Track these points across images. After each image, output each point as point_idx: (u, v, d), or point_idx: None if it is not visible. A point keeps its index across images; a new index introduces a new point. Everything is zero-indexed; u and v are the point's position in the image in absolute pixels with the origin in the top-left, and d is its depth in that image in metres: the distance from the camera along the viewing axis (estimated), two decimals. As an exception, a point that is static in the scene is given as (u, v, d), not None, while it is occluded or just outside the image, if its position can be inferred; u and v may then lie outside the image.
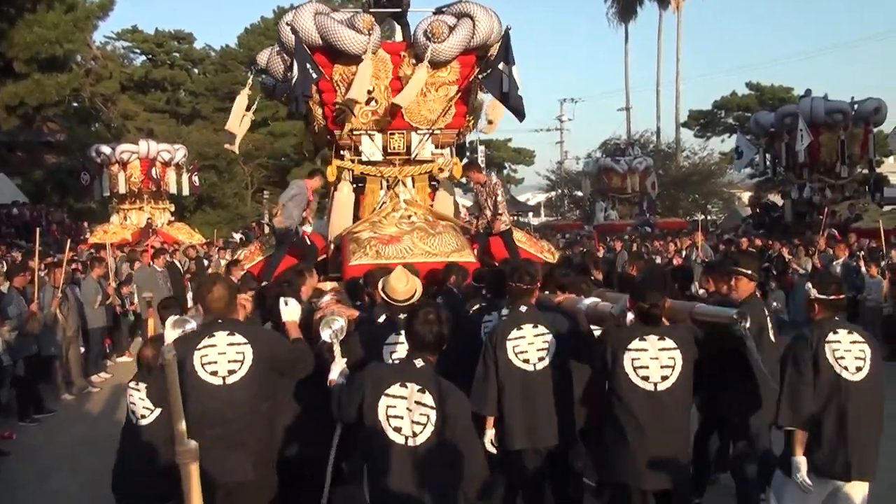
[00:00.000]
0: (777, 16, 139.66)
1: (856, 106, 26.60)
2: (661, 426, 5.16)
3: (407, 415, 4.35)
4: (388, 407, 4.38)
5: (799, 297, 15.11)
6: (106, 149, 28.32)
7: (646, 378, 5.14)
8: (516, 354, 5.84)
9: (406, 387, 4.39)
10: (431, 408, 4.34)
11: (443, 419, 4.32)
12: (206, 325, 5.06)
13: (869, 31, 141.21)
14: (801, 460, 5.11)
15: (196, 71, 53.42)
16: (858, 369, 5.09)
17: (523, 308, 6.02)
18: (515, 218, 13.18)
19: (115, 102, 41.65)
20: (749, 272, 6.56)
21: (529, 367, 5.84)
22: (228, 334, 4.91)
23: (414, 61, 11.04)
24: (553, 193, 59.19)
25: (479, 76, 10.92)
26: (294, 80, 10.27)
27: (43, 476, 8.79)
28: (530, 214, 57.79)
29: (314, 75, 10.40)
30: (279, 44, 11.32)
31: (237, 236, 33.00)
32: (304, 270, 7.81)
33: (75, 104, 38.36)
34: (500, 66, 10.56)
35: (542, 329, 5.90)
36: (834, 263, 15.56)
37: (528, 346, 5.86)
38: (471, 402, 5.50)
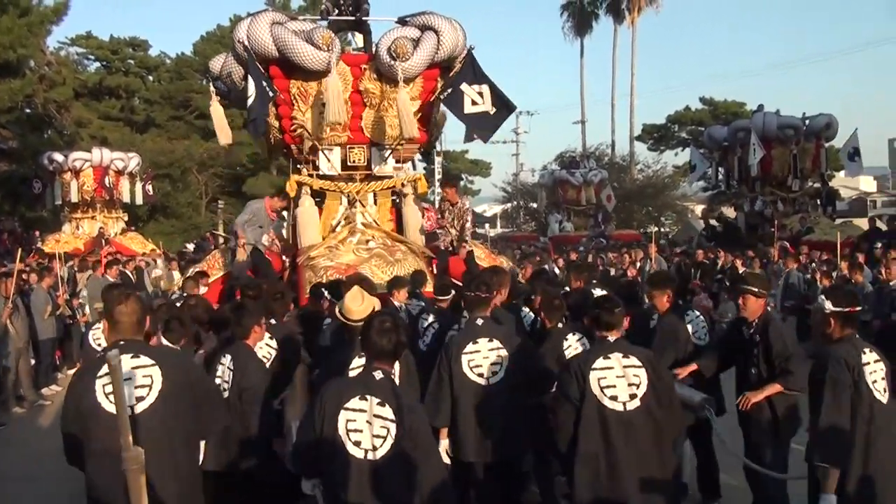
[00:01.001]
0: (731, 33, 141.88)
1: (807, 121, 27.08)
2: (633, 448, 4.93)
3: (367, 428, 4.29)
4: (347, 421, 4.31)
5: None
6: (58, 156, 27.89)
7: (614, 398, 4.95)
8: (471, 368, 5.89)
9: (366, 399, 4.32)
10: (391, 421, 4.28)
11: (402, 432, 4.28)
12: (107, 347, 4.43)
13: (818, 49, 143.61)
14: (832, 499, 4.92)
15: (151, 78, 52.80)
16: (885, 390, 4.98)
17: (479, 321, 6.04)
18: (473, 230, 13.19)
19: (69, 109, 41.00)
20: (756, 289, 6.38)
21: (483, 381, 5.89)
22: (132, 356, 4.26)
23: (375, 75, 11.01)
24: (509, 205, 59.40)
25: (441, 96, 10.87)
26: (251, 102, 10.15)
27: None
28: (486, 226, 57.80)
29: (270, 94, 10.32)
30: (234, 55, 11.21)
31: (190, 247, 32.64)
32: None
33: (28, 111, 37.73)
34: (462, 85, 10.50)
35: (496, 343, 5.95)
36: (785, 275, 15.81)
37: (483, 360, 5.91)
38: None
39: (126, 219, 30.16)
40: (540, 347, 6.75)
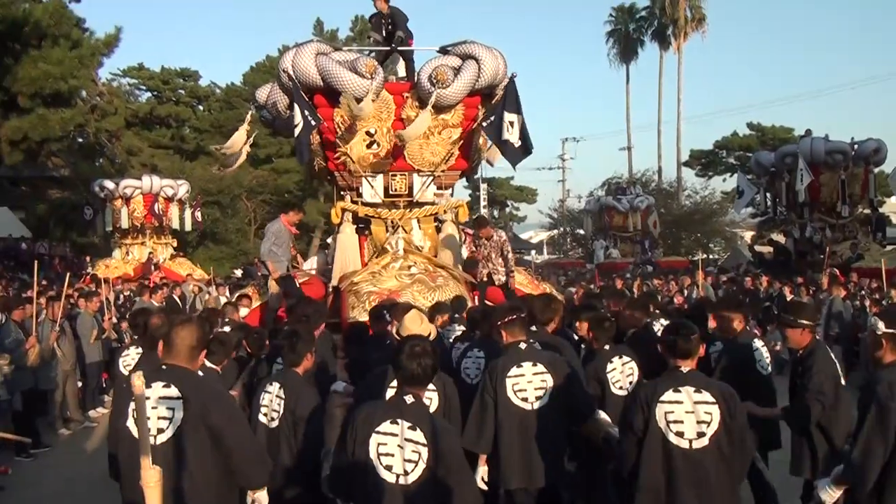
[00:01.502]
0: (778, 57, 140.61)
1: (856, 146, 26.64)
2: (696, 487, 4.71)
3: (398, 452, 4.28)
4: (378, 444, 4.31)
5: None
6: (109, 184, 28.39)
7: (680, 434, 4.73)
8: (515, 392, 5.76)
9: (397, 423, 4.32)
10: (423, 445, 4.27)
11: (435, 456, 4.26)
12: (151, 371, 4.42)
13: (869, 73, 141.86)
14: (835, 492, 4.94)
15: (201, 108, 53.61)
16: None
17: (522, 345, 5.97)
18: (518, 256, 13.25)
19: (120, 138, 41.75)
20: (795, 320, 6.10)
21: (528, 406, 5.76)
22: (164, 386, 4.25)
23: (417, 103, 11.11)
24: (555, 232, 59.33)
25: (483, 123, 10.91)
26: (298, 131, 10.28)
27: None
28: (533, 252, 57.76)
29: (313, 122, 10.43)
30: (279, 84, 11.37)
31: (238, 273, 32.97)
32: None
33: (80, 139, 38.45)
34: (503, 113, 10.53)
35: (541, 368, 5.82)
36: (829, 302, 15.54)
37: (528, 385, 5.78)
38: (464, 440, 5.47)
39: (175, 244, 30.52)
40: (585, 368, 6.74)
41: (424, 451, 4.27)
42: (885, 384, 4.78)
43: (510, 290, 10.93)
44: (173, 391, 4.23)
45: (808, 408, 5.78)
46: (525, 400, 5.76)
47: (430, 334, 5.67)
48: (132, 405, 4.20)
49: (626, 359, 6.85)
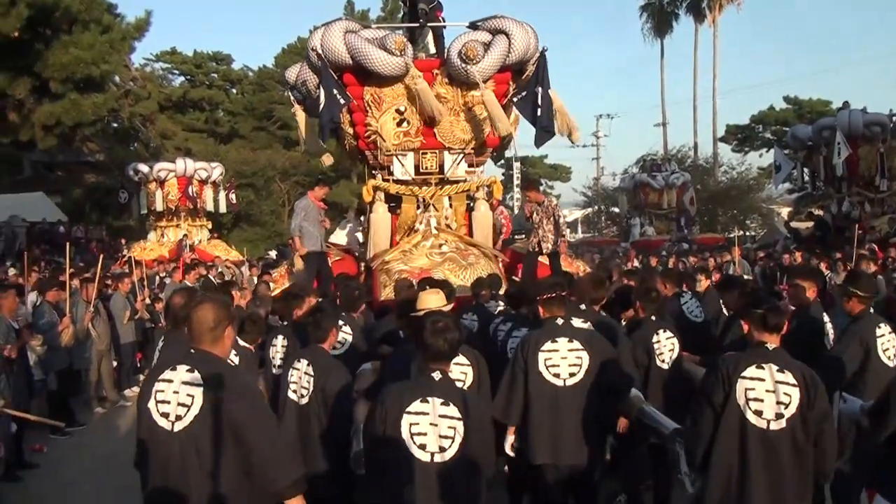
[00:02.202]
0: (814, 29, 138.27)
1: (895, 118, 26.15)
2: (769, 471, 4.57)
3: (432, 430, 4.20)
4: (411, 424, 4.22)
5: (839, 312, 14.83)
6: (144, 167, 28.55)
7: (758, 413, 4.56)
8: (547, 367, 5.66)
9: (427, 401, 4.23)
10: (458, 419, 4.20)
11: (470, 427, 4.20)
12: (177, 356, 4.34)
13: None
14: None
15: (234, 91, 53.82)
16: None
17: (559, 321, 5.87)
18: (567, 241, 13.25)
19: (154, 122, 42.10)
20: (861, 293, 6.15)
21: (559, 382, 5.66)
22: (188, 370, 4.10)
23: (447, 80, 11.01)
24: (590, 210, 58.97)
25: (514, 99, 10.82)
26: (321, 108, 10.25)
27: (68, 488, 8.84)
28: (567, 231, 57.48)
29: (342, 101, 10.38)
30: (308, 64, 11.32)
31: (272, 253, 33.14)
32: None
33: (114, 124, 38.75)
34: (535, 88, 10.42)
35: (577, 344, 5.72)
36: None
37: (561, 361, 5.68)
38: (493, 409, 5.42)
39: (210, 227, 30.68)
40: (631, 337, 6.71)
41: (460, 425, 4.20)
42: None
43: (558, 259, 10.82)
44: (196, 376, 4.07)
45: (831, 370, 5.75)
46: (557, 376, 5.66)
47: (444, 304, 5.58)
48: (156, 385, 4.12)
49: (669, 333, 6.84)
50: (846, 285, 6.28)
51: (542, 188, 59.60)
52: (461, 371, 5.34)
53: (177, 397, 4.06)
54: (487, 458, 4.33)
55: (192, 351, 4.19)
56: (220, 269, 20.25)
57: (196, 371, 4.08)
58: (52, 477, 9.29)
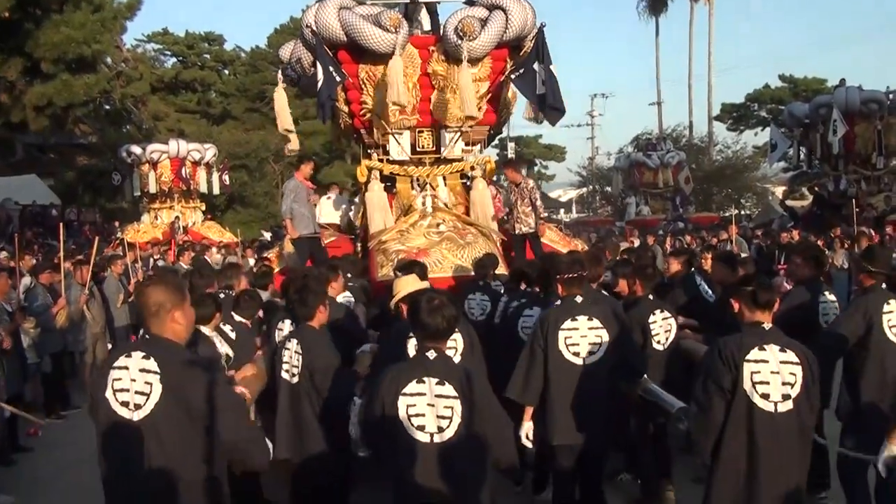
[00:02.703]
0: (809, 6, 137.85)
1: (891, 95, 26.07)
2: (777, 456, 4.44)
3: (429, 411, 4.13)
4: (408, 406, 4.15)
5: (837, 290, 14.82)
6: (136, 149, 28.39)
7: (765, 396, 4.41)
8: (567, 346, 5.58)
9: (424, 382, 4.16)
10: (455, 398, 4.12)
11: (469, 408, 4.12)
12: (136, 341, 4.17)
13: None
14: None
15: (226, 72, 53.64)
16: None
17: (578, 298, 5.76)
18: (547, 215, 13.27)
19: (146, 104, 41.93)
20: (874, 269, 6.04)
21: (578, 361, 5.59)
22: (143, 357, 3.91)
23: (443, 56, 10.84)
24: (584, 190, 58.93)
25: (512, 76, 10.67)
26: (319, 87, 10.10)
27: (63, 471, 8.75)
28: (562, 211, 57.53)
29: (337, 79, 10.23)
30: (302, 41, 11.16)
31: (267, 235, 33.02)
32: (333, 268, 7.72)
33: (107, 106, 38.57)
34: (535, 65, 10.27)
35: (597, 323, 5.64)
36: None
37: (581, 339, 5.60)
38: (510, 389, 5.44)
39: (203, 208, 30.55)
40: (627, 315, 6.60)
41: (457, 404, 4.11)
42: None
43: (538, 240, 10.74)
44: (151, 363, 3.88)
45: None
46: (577, 355, 5.58)
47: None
48: (112, 374, 3.94)
49: (666, 314, 6.75)
50: (861, 260, 6.19)
51: (536, 169, 59.80)
52: (451, 338, 5.23)
53: (134, 385, 3.88)
54: (497, 437, 4.24)
55: (147, 336, 4.03)
56: (218, 252, 20.05)
57: (151, 358, 3.90)
58: (47, 460, 9.22)
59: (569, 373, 5.57)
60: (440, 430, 4.12)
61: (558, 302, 5.88)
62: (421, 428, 4.13)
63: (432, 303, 4.28)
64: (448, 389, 4.13)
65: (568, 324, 5.59)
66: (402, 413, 4.14)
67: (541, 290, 7.24)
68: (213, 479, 4.00)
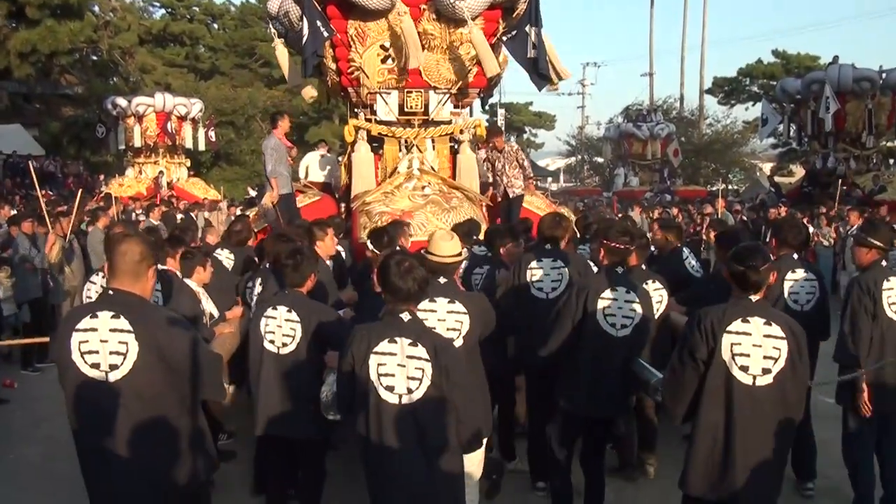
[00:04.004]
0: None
1: (884, 74, 25.97)
2: (754, 429, 4.39)
3: (399, 371, 4.11)
4: (378, 365, 4.13)
5: (822, 267, 14.86)
6: (122, 101, 28.08)
7: (744, 368, 4.34)
8: (605, 316, 5.50)
9: (395, 342, 4.13)
10: (426, 360, 4.09)
11: (439, 371, 4.08)
12: (97, 299, 4.11)
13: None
14: None
15: (215, 26, 53.09)
16: None
17: (619, 269, 5.65)
18: (535, 183, 13.23)
19: (133, 56, 41.37)
20: (875, 242, 5.96)
21: (614, 332, 5.50)
22: (113, 316, 3.81)
23: (435, 16, 10.64)
24: (573, 159, 58.79)
25: (503, 38, 10.51)
26: (304, 40, 9.91)
27: (38, 423, 8.69)
28: (549, 180, 57.36)
29: (325, 34, 10.02)
30: (291, -5, 10.94)
31: (252, 192, 32.85)
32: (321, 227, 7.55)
33: (94, 57, 38.17)
34: (527, 28, 10.11)
35: (633, 297, 5.55)
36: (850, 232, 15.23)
37: (618, 311, 5.50)
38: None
39: (188, 165, 30.29)
40: None
41: (428, 367, 4.08)
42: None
43: (519, 204, 10.81)
44: (123, 323, 3.80)
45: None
46: (613, 326, 5.50)
47: (461, 253, 5.30)
48: (75, 336, 3.83)
49: (657, 285, 6.64)
50: (861, 233, 6.11)
51: (525, 136, 59.55)
52: (456, 319, 5.10)
53: (106, 346, 3.79)
54: (464, 405, 4.22)
55: (111, 292, 3.90)
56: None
57: (122, 316, 3.81)
58: (23, 412, 9.16)
59: (605, 343, 5.51)
60: (409, 391, 4.10)
61: (596, 270, 5.80)
62: (390, 388, 4.11)
63: (402, 265, 4.22)
64: (420, 351, 4.10)
65: (608, 293, 5.50)
66: (372, 372, 4.12)
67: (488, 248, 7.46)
68: (199, 431, 4.03)
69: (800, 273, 6.52)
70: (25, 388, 10.00)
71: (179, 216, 17.45)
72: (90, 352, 3.79)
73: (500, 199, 10.86)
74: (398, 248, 6.56)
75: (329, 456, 5.84)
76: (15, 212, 15.54)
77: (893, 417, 6.00)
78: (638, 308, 5.50)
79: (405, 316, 4.21)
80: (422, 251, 5.28)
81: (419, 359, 4.09)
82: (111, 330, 3.79)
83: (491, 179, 11.58)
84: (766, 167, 45.03)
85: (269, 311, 5.41)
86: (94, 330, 3.80)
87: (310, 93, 11.84)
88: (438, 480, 4.18)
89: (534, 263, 6.56)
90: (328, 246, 7.33)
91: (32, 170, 13.80)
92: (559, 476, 5.87)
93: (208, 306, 6.60)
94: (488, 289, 6.75)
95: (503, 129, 12.04)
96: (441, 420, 4.14)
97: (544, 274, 6.51)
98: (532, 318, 6.23)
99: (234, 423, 7.69)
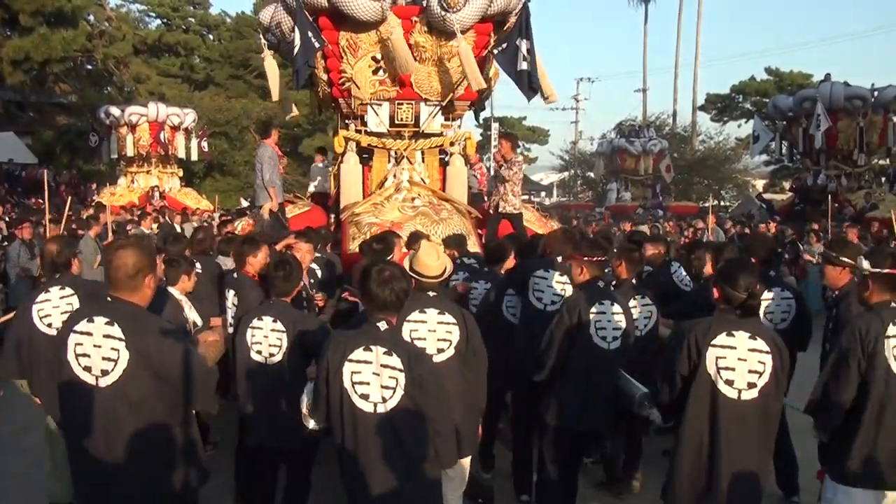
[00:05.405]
0: (798, 1, 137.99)
1: (876, 93, 26.07)
2: (738, 443, 4.40)
3: (374, 380, 4.10)
4: (352, 373, 4.13)
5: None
6: (115, 110, 28.14)
7: (730, 382, 4.37)
8: (597, 330, 5.56)
9: (371, 350, 4.14)
10: (399, 370, 4.08)
11: (412, 381, 4.07)
12: (92, 305, 4.12)
13: (890, 18, 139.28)
14: None
15: (210, 37, 53.11)
16: None
17: (601, 283, 5.76)
18: (528, 197, 13.22)
19: (128, 65, 41.36)
20: (846, 260, 5.61)
21: (605, 346, 5.58)
22: (107, 323, 3.86)
23: (426, 28, 10.65)
24: (566, 174, 58.85)
25: (494, 51, 10.52)
26: (296, 52, 9.93)
27: (21, 432, 8.65)
28: (542, 194, 57.46)
29: (316, 45, 10.04)
30: (283, 5, 10.96)
31: (245, 203, 32.82)
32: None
33: (88, 66, 38.16)
34: (517, 41, 10.13)
35: (618, 308, 5.63)
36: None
37: (607, 324, 5.57)
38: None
39: (181, 175, 30.27)
40: None
41: (402, 377, 4.07)
42: (850, 330, 4.59)
43: (521, 226, 10.71)
44: (116, 330, 3.84)
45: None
46: (604, 339, 5.56)
47: (446, 268, 5.27)
48: (72, 337, 3.90)
49: (646, 301, 6.63)
50: (830, 252, 5.88)
51: (519, 150, 59.62)
52: (446, 330, 5.10)
53: (99, 351, 3.84)
54: (439, 411, 4.21)
55: (109, 299, 3.94)
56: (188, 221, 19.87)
57: (115, 324, 3.86)
58: (6, 422, 9.08)
59: (597, 356, 5.56)
60: (384, 399, 4.09)
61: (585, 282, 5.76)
62: (364, 396, 4.11)
63: (383, 274, 4.23)
64: (395, 361, 4.10)
65: (596, 307, 5.54)
66: (346, 379, 4.12)
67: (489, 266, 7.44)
68: (190, 441, 4.05)
69: (775, 291, 6.53)
70: (8, 395, 9.89)
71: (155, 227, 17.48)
72: (84, 354, 3.85)
73: (490, 213, 10.83)
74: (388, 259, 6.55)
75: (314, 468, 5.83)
76: (7, 219, 15.53)
77: None
78: (623, 320, 5.57)
79: (382, 325, 4.20)
80: (406, 267, 5.27)
81: (393, 368, 4.09)
82: (105, 336, 3.84)
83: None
84: (759, 184, 45.22)
85: (255, 322, 5.45)
86: (90, 334, 3.86)
87: (294, 112, 11.86)
88: (414, 491, 4.17)
89: (540, 272, 6.60)
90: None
91: (46, 181, 13.75)
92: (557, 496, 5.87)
93: (191, 315, 6.57)
94: (484, 312, 6.79)
95: (508, 134, 11.77)
96: (416, 431, 4.13)
97: (547, 285, 6.52)
98: (532, 330, 6.21)
99: (216, 434, 7.65)
